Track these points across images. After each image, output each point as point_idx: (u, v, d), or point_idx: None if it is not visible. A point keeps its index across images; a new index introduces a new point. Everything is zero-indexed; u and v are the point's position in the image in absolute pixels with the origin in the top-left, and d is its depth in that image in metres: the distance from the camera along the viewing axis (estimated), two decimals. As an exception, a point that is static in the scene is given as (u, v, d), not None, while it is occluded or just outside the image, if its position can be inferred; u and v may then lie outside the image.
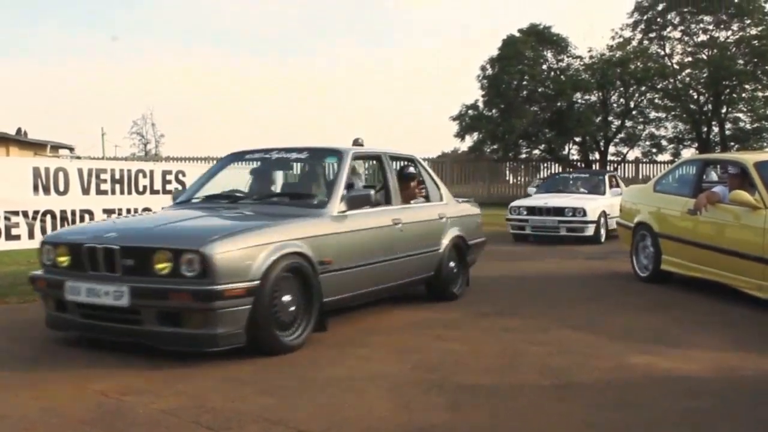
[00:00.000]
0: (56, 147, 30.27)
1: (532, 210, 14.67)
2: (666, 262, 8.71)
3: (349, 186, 6.58)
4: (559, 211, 14.31)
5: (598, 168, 29.44)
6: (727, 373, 4.95)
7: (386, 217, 6.81)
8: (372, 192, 6.68)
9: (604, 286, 9.02)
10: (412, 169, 8.15)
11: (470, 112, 31.57)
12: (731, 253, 7.48)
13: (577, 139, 31.58)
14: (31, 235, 7.56)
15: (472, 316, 6.88)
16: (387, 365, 5.16)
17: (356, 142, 12.28)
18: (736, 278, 7.48)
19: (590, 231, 14.09)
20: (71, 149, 31.01)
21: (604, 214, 14.43)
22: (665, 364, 5.14)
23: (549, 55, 32.03)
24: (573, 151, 32.72)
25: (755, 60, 28.68)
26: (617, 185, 16.10)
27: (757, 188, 7.38)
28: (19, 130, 38.00)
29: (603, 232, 14.43)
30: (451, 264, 7.77)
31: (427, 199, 7.94)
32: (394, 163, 7.79)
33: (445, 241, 7.66)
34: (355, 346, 5.68)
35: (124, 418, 4.04)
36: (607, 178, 16.23)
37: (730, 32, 30.19)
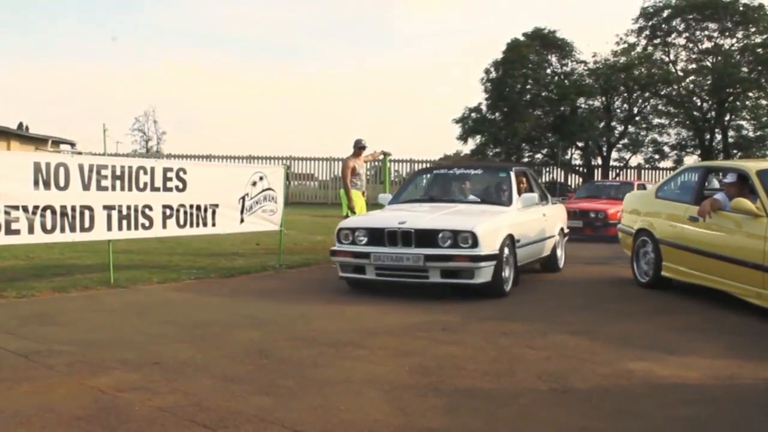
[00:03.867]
0: (57, 142, 30.27)
1: (377, 235, 8.19)
2: (666, 268, 8.70)
3: None
4: (426, 237, 7.96)
5: (602, 173, 29.28)
6: (726, 381, 4.93)
7: None
8: None
9: (604, 291, 9.01)
10: None
11: (473, 115, 31.58)
12: (731, 260, 7.46)
13: (580, 144, 31.58)
14: (30, 230, 7.53)
15: (471, 320, 6.86)
16: (384, 367, 5.14)
17: (358, 143, 12.29)
18: (735, 285, 7.46)
19: (485, 275, 7.89)
20: (73, 144, 31.02)
21: (510, 240, 8.43)
22: (663, 371, 5.13)
23: (553, 59, 32.08)
24: (576, 156, 32.72)
25: (759, 68, 28.69)
26: (531, 189, 10.27)
27: (758, 196, 7.36)
28: (20, 125, 38.08)
29: (509, 273, 8.39)
30: None
31: None
32: None
33: None
34: (353, 348, 5.67)
35: (119, 414, 4.03)
36: (513, 177, 9.65)
37: (734, 40, 30.19)
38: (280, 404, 4.25)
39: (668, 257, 8.66)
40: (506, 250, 8.30)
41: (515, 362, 5.33)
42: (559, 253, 10.85)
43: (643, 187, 17.51)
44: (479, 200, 9.60)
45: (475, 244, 7.80)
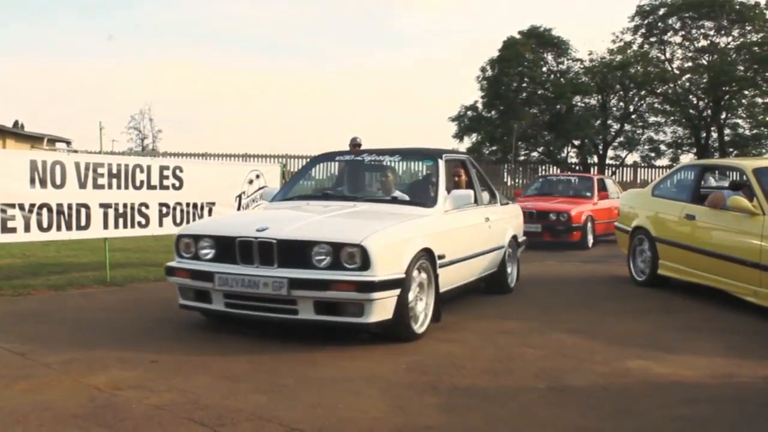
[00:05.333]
0: (53, 140, 30.22)
1: (227, 246, 5.78)
2: (663, 266, 8.71)
3: None
4: (295, 251, 5.54)
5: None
6: (724, 380, 4.93)
7: None
8: None
9: (601, 289, 9.01)
10: None
11: (469, 113, 31.60)
12: (728, 258, 7.47)
13: (576, 143, 31.59)
14: (27, 228, 7.52)
15: (468, 318, 6.85)
16: (382, 366, 5.13)
17: (354, 141, 12.28)
18: (732, 284, 7.47)
19: (382, 310, 5.49)
20: (68, 143, 30.96)
21: (428, 256, 6.02)
22: (661, 370, 5.13)
23: (549, 57, 32.07)
24: (572, 154, 32.74)
25: (755, 66, 28.70)
26: (471, 184, 7.87)
27: (755, 194, 7.37)
28: (16, 123, 37.98)
29: (425, 305, 6.04)
30: None
31: None
32: None
33: None
34: (350, 346, 5.66)
35: (116, 412, 4.01)
36: (442, 168, 7.15)
37: (730, 38, 30.22)
38: (278, 402, 4.24)
39: (665, 255, 8.67)
40: (419, 272, 5.94)
41: (513, 361, 5.33)
42: (510, 268, 8.48)
43: (602, 182, 16.01)
44: (390, 198, 7.07)
45: (365, 263, 5.36)
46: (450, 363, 5.24)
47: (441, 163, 7.19)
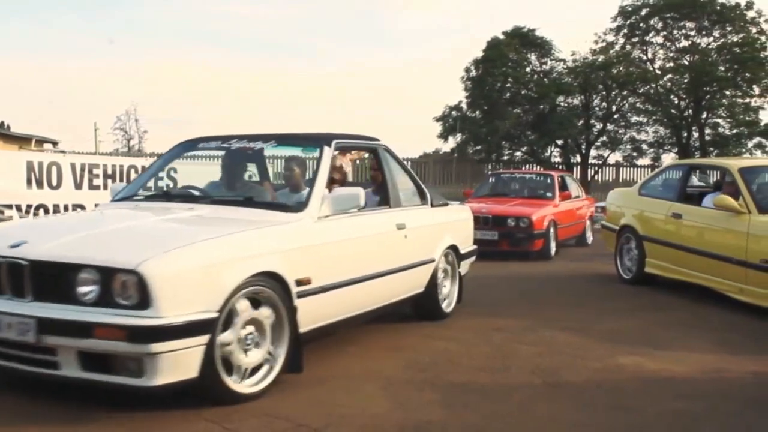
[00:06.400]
0: (41, 141, 30.05)
1: None
2: (650, 264, 8.84)
3: None
4: (54, 277, 3.88)
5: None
6: (713, 375, 5.06)
7: None
8: None
9: (590, 287, 9.13)
10: None
11: (454, 113, 31.69)
12: (714, 256, 7.61)
13: (559, 142, 31.75)
14: (23, 229, 7.60)
15: (461, 316, 6.93)
16: (380, 363, 5.22)
17: (344, 141, 12.30)
18: (719, 281, 7.61)
19: (175, 369, 3.80)
20: (55, 143, 30.80)
21: (273, 285, 4.32)
22: (653, 366, 5.25)
23: (533, 57, 32.20)
24: (555, 154, 32.91)
25: (736, 67, 28.94)
26: (384, 181, 6.13)
27: (741, 193, 7.52)
28: (2, 124, 37.75)
29: (266, 354, 4.35)
30: None
31: None
32: None
33: None
34: (348, 344, 5.73)
35: (124, 410, 4.07)
36: (327, 158, 5.34)
37: (711, 39, 30.45)
38: (282, 400, 4.31)
39: (652, 254, 8.81)
40: (254, 308, 4.27)
41: (509, 358, 5.43)
42: (445, 288, 6.82)
43: (563, 180, 14.02)
44: (242, 199, 5.31)
45: (144, 299, 3.71)
46: (447, 360, 5.34)
47: (326, 153, 5.40)
